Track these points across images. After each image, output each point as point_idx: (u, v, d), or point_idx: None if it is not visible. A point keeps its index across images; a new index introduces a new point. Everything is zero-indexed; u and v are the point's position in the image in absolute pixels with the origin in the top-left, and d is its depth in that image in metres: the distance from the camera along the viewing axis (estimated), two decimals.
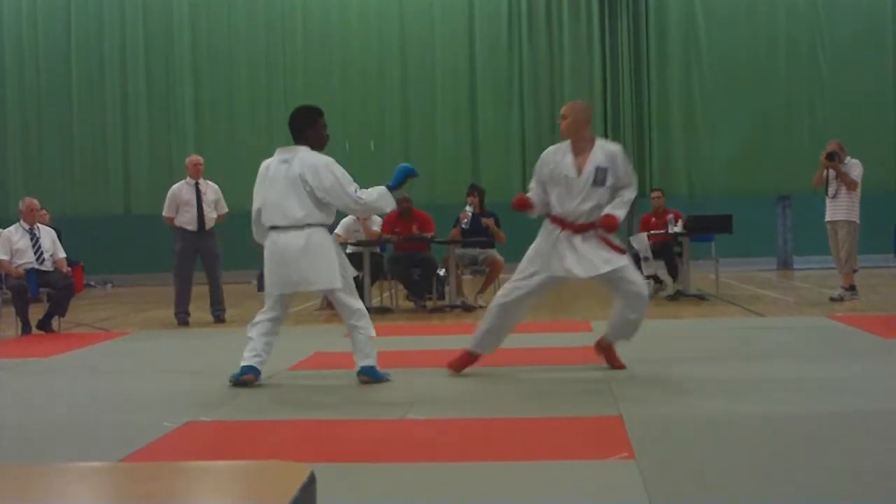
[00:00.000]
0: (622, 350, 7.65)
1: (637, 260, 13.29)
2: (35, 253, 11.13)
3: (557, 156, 7.25)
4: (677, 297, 12.82)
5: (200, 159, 11.99)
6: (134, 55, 20.89)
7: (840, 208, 12.14)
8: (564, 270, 7.22)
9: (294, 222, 6.89)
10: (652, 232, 13.27)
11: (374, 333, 7.09)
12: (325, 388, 7.00)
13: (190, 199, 11.59)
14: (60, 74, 20.98)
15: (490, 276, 12.69)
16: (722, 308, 11.84)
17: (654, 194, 14.26)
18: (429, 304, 12.64)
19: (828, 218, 12.31)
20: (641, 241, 13.16)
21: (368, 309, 12.15)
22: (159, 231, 12.71)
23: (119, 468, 1.91)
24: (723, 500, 4.00)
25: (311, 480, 1.56)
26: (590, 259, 7.19)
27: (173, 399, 6.66)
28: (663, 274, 13.57)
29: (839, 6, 19.89)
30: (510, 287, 7.42)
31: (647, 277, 13.11)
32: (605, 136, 19.86)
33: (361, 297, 12.33)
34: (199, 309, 12.03)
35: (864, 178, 12.24)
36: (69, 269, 11.64)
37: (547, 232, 7.25)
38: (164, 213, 11.85)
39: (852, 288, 12.22)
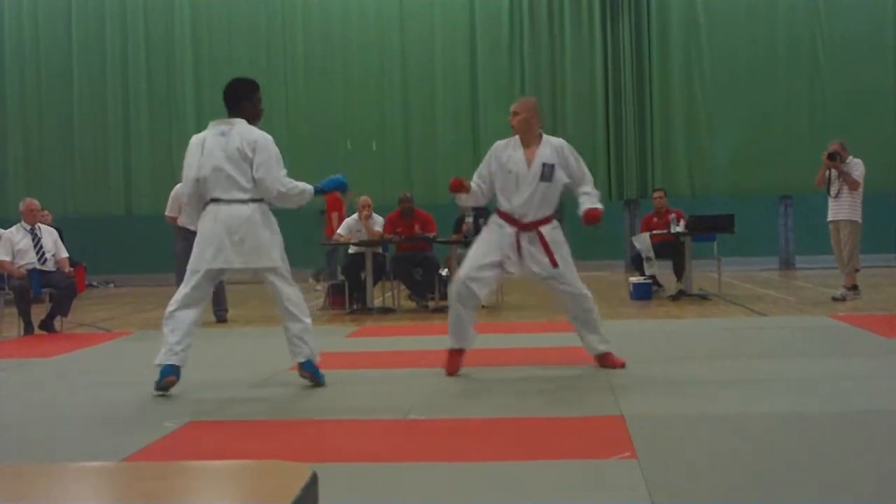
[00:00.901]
0: (624, 348, 7.64)
1: (639, 260, 13.29)
2: (37, 253, 11.14)
3: (507, 150, 7.39)
4: (679, 296, 12.81)
5: None
6: (135, 55, 20.91)
7: (842, 208, 12.14)
8: (517, 267, 7.30)
9: (239, 196, 6.69)
10: (654, 232, 13.26)
11: (311, 322, 6.92)
12: (326, 388, 6.99)
13: None
14: (62, 75, 21.00)
15: None
16: (724, 308, 11.83)
17: (657, 194, 14.25)
18: (431, 303, 12.64)
19: (830, 218, 12.30)
20: (644, 241, 13.15)
21: (371, 309, 12.27)
22: (161, 231, 12.71)
23: (120, 468, 1.90)
24: (725, 500, 4.00)
25: (313, 480, 1.56)
26: (536, 260, 7.25)
27: (175, 399, 6.65)
28: (668, 273, 13.54)
29: (839, 6, 19.89)
30: (468, 275, 7.27)
31: (649, 278, 13.11)
32: (608, 136, 19.93)
33: (364, 297, 12.42)
34: None
35: (866, 178, 12.23)
36: (71, 269, 11.63)
37: (497, 227, 7.30)
38: (167, 213, 11.86)
39: (854, 287, 12.21)
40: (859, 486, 4.16)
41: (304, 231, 18.26)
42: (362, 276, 12.58)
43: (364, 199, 13.25)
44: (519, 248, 7.22)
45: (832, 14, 19.87)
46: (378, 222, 12.92)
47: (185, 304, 6.79)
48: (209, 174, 6.71)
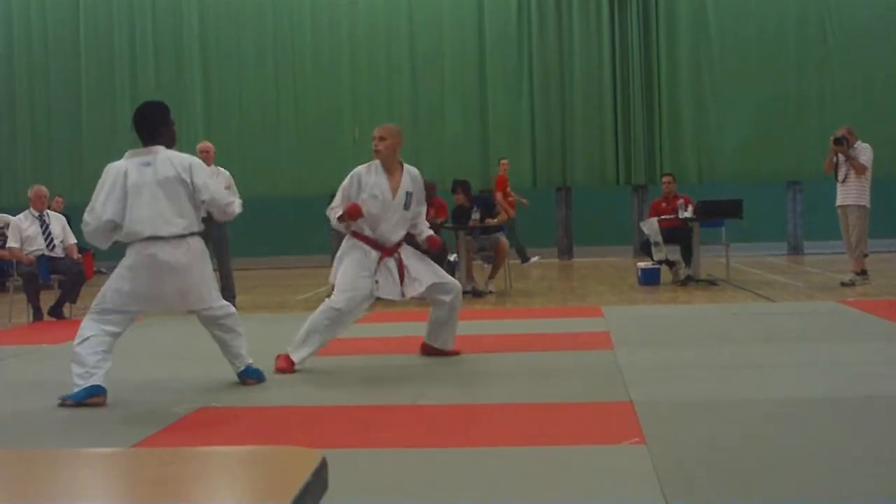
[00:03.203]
0: (632, 333, 7.63)
1: (648, 245, 13.28)
2: (45, 240, 11.17)
3: (371, 175, 7.26)
4: (688, 282, 12.80)
5: (210, 145, 11.91)
6: (143, 45, 20.88)
7: (850, 193, 12.11)
8: (393, 293, 7.25)
9: (173, 233, 6.20)
10: (662, 217, 13.24)
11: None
12: (335, 375, 7.00)
13: None
14: (70, 66, 20.98)
15: (497, 261, 12.70)
16: (732, 293, 11.82)
17: (665, 179, 14.22)
18: None
19: (838, 203, 12.28)
20: (652, 226, 13.13)
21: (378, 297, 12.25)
22: None
23: (131, 454, 1.91)
24: (733, 485, 4.00)
25: (323, 466, 1.56)
26: (418, 278, 7.25)
27: (185, 385, 6.67)
28: (676, 258, 13.51)
29: None
30: (349, 308, 7.16)
31: (658, 262, 13.10)
32: (615, 121, 19.87)
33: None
34: None
35: (874, 163, 12.20)
36: (80, 255, 11.66)
37: (361, 252, 7.19)
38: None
39: (863, 272, 12.18)
40: (870, 471, 4.15)
41: (312, 218, 18.30)
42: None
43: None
44: (388, 270, 7.20)
45: None
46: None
47: (109, 330, 6.27)
48: (141, 213, 6.14)
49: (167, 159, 6.28)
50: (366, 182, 7.22)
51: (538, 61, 20.21)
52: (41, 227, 11.23)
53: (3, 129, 21.07)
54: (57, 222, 11.44)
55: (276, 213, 19.58)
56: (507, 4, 20.27)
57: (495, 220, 12.66)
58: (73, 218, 13.77)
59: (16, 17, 21.09)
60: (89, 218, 6.27)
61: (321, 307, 7.20)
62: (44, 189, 11.61)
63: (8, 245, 11.48)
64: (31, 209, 11.34)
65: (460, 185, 12.82)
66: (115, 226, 6.22)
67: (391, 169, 7.32)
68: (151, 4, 20.85)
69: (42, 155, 20.88)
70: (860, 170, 11.98)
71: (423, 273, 7.30)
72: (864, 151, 12.09)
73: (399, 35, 20.48)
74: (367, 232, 7.21)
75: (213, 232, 11.62)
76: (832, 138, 12.17)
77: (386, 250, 7.22)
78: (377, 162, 7.31)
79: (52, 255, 11.15)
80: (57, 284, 11.25)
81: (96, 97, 20.94)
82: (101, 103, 20.88)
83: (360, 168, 7.34)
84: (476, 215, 12.45)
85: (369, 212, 7.13)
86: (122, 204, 6.18)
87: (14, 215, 12.10)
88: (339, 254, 7.37)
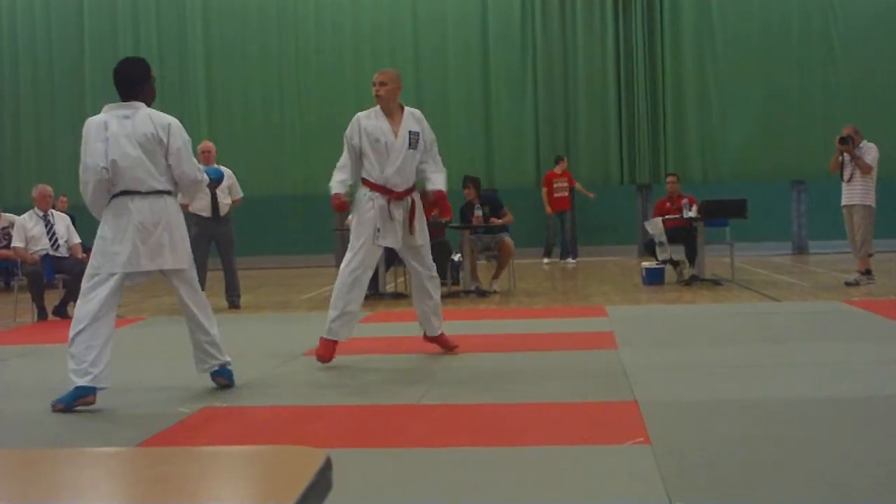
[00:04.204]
0: (637, 333, 7.63)
1: (652, 245, 13.27)
2: (50, 239, 11.17)
3: (371, 120, 7.29)
4: (692, 282, 12.79)
5: (211, 145, 11.96)
6: (147, 42, 20.91)
7: (855, 192, 12.09)
8: (389, 239, 7.28)
9: (152, 188, 6.07)
10: (666, 217, 13.23)
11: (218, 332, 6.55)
12: (338, 374, 7.00)
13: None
14: (74, 64, 21.02)
15: (502, 260, 12.69)
16: (737, 293, 11.81)
17: (669, 179, 14.21)
18: (443, 289, 12.61)
19: (843, 202, 12.26)
20: (656, 226, 13.12)
21: (383, 295, 12.27)
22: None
23: (134, 453, 1.91)
24: (738, 485, 3.99)
25: (328, 465, 1.55)
26: (417, 237, 7.36)
27: (188, 385, 6.67)
28: (680, 258, 13.50)
29: None
30: (356, 264, 7.18)
31: (663, 262, 13.09)
32: (620, 120, 19.87)
33: (376, 282, 12.42)
34: (214, 295, 12.02)
35: (880, 162, 12.18)
36: (84, 254, 11.66)
37: (368, 201, 7.22)
38: (178, 201, 11.87)
39: (868, 272, 12.16)
40: (875, 472, 4.15)
41: (316, 217, 18.31)
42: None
43: None
44: (391, 218, 7.22)
45: None
46: None
47: (100, 314, 6.01)
48: (120, 163, 6.03)
49: (147, 116, 6.17)
50: (366, 126, 7.25)
51: (542, 60, 20.21)
52: (46, 226, 11.24)
53: (7, 128, 21.10)
54: (61, 222, 11.45)
55: (279, 213, 19.59)
56: (510, 3, 20.29)
57: (500, 221, 12.65)
58: (78, 218, 13.81)
59: (20, 16, 21.13)
60: (85, 175, 6.17)
61: (339, 274, 7.27)
62: (48, 188, 11.63)
63: (13, 245, 11.50)
64: (36, 209, 11.35)
65: (471, 181, 12.82)
66: (108, 176, 6.09)
67: (392, 112, 7.35)
68: (155, 3, 20.88)
69: (46, 154, 20.91)
70: (866, 169, 11.97)
71: (423, 238, 7.41)
72: (869, 151, 12.08)
73: (403, 33, 20.50)
74: (375, 176, 7.23)
75: (219, 230, 11.64)
76: (838, 138, 12.16)
77: (395, 194, 7.23)
78: (377, 107, 7.34)
79: (57, 254, 11.16)
80: (61, 284, 11.26)
81: (100, 96, 20.88)
82: (105, 102, 20.81)
83: (361, 114, 7.38)
84: (479, 212, 12.43)
85: (371, 157, 7.19)
86: (105, 153, 6.08)
87: (18, 215, 12.12)
88: (353, 206, 7.40)
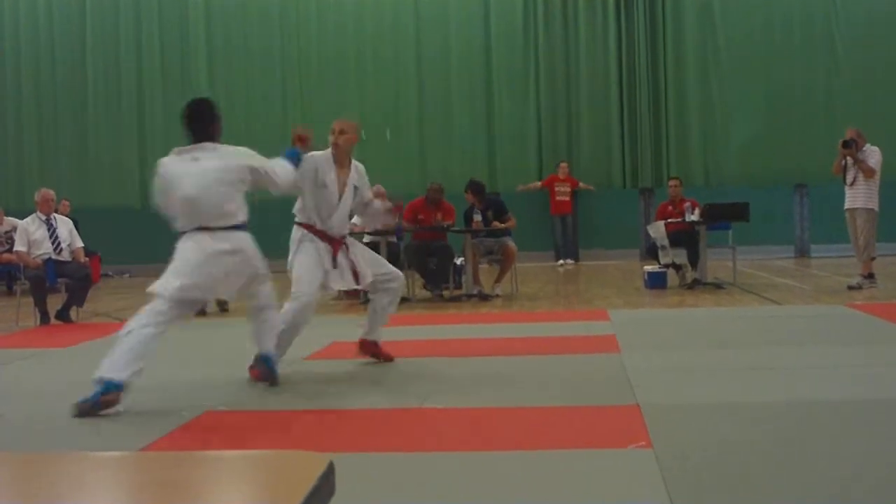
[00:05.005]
0: (639, 337, 7.62)
1: (654, 248, 13.26)
2: (52, 243, 11.17)
3: (323, 164, 7.31)
4: (694, 285, 12.78)
5: None
6: (149, 47, 20.92)
7: (858, 196, 12.08)
8: (335, 282, 7.36)
9: (228, 223, 6.36)
10: (669, 220, 13.22)
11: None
12: (342, 378, 7.00)
13: None
14: (76, 68, 21.02)
15: (504, 264, 12.69)
16: (739, 296, 11.80)
17: (672, 183, 14.19)
18: (445, 293, 12.62)
19: (846, 206, 12.25)
20: (658, 229, 13.11)
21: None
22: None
23: (139, 457, 1.91)
24: (740, 489, 3.99)
25: (330, 470, 1.56)
26: (365, 270, 7.36)
27: (190, 389, 6.67)
28: (682, 261, 13.49)
29: None
30: (312, 297, 7.19)
31: (665, 266, 13.08)
32: (622, 123, 19.88)
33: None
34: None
35: (883, 166, 12.18)
36: (86, 258, 11.68)
37: (312, 244, 7.25)
38: None
39: (871, 276, 12.15)
40: (877, 475, 4.14)
41: None
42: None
43: (377, 187, 13.22)
44: (335, 262, 7.25)
45: None
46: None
47: (165, 319, 6.27)
48: (194, 202, 6.31)
49: (221, 152, 6.48)
50: (319, 168, 7.27)
51: (544, 63, 20.22)
52: (48, 230, 11.24)
53: (9, 132, 21.10)
54: (64, 226, 11.45)
55: (282, 213, 19.55)
56: (513, 5, 20.29)
57: (503, 224, 12.64)
58: (80, 221, 13.82)
59: (22, 19, 21.14)
60: (168, 210, 6.58)
61: (287, 305, 7.14)
62: (51, 192, 11.63)
63: (15, 249, 11.50)
64: (38, 213, 11.36)
65: (471, 186, 12.79)
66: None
67: (343, 163, 7.41)
68: (157, 8, 20.89)
69: (49, 158, 20.91)
70: (869, 173, 11.96)
71: (370, 265, 7.41)
72: (872, 154, 12.07)
73: (405, 35, 20.51)
74: (317, 223, 7.26)
75: None
76: (841, 141, 12.15)
77: (335, 242, 7.28)
78: (329, 152, 7.37)
79: (59, 258, 11.16)
80: (64, 288, 11.27)
81: (103, 100, 20.98)
82: (107, 106, 20.92)
83: (316, 154, 7.36)
84: (479, 217, 12.43)
85: (317, 203, 7.23)
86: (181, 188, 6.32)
87: (21, 219, 12.13)
88: (292, 245, 7.38)
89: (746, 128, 19.73)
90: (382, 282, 7.44)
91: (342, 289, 7.42)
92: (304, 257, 7.23)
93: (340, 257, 7.28)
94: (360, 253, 7.46)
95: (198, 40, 20.83)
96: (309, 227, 7.29)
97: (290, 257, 7.34)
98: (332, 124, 7.51)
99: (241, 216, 6.45)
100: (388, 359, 7.58)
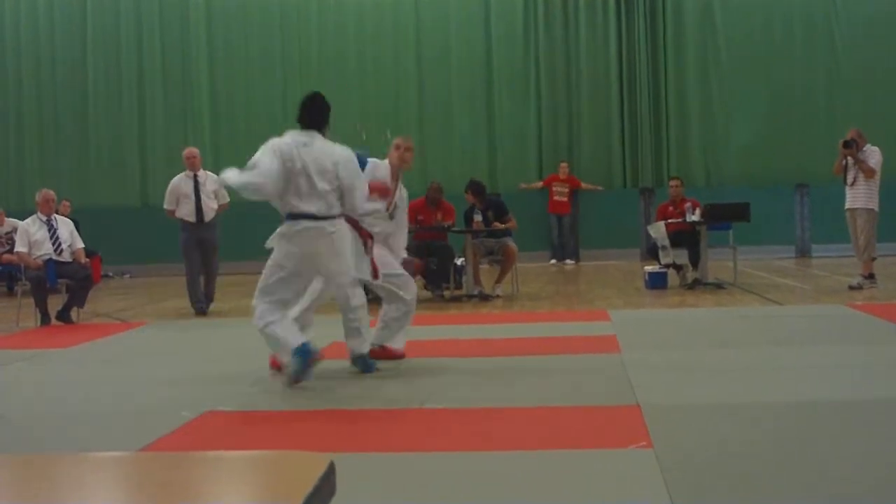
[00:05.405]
0: (639, 337, 7.62)
1: (655, 249, 13.25)
2: (53, 244, 11.17)
3: (384, 174, 7.54)
4: (695, 285, 12.77)
5: (195, 151, 12.11)
6: (150, 46, 20.91)
7: (859, 196, 12.08)
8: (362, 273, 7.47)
9: (327, 213, 6.59)
10: (669, 220, 13.21)
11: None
12: (342, 378, 7.00)
13: (188, 192, 11.72)
14: (77, 68, 20.99)
15: (505, 265, 12.68)
16: (740, 296, 11.80)
17: (672, 183, 14.18)
18: (446, 293, 12.61)
19: (847, 206, 12.24)
20: (659, 229, 13.10)
21: (381, 300, 12.23)
22: (176, 222, 12.72)
23: (137, 458, 1.91)
24: (741, 489, 3.99)
25: (331, 470, 1.56)
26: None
27: (191, 389, 6.67)
28: (683, 262, 13.48)
29: None
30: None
31: (665, 266, 13.07)
32: (622, 124, 19.87)
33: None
34: (183, 297, 12.16)
35: (883, 166, 12.16)
36: (87, 259, 11.67)
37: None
38: (165, 206, 12.00)
39: (871, 276, 12.15)
40: (877, 474, 4.14)
41: None
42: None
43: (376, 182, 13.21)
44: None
45: None
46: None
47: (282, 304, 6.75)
48: (301, 189, 6.55)
49: (329, 148, 6.74)
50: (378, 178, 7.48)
51: (545, 63, 20.20)
52: (49, 231, 11.24)
53: (10, 133, 21.08)
54: (64, 226, 11.45)
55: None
56: (513, 6, 20.27)
57: (503, 225, 12.64)
58: (81, 222, 13.83)
59: (23, 21, 21.12)
60: (267, 187, 6.54)
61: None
62: (52, 193, 11.63)
63: (16, 249, 11.50)
64: (39, 213, 11.35)
65: (472, 187, 12.77)
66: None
67: (397, 177, 7.73)
68: (158, 6, 20.88)
69: (49, 159, 20.90)
70: (869, 173, 11.95)
71: (384, 265, 7.48)
72: (873, 154, 12.06)
73: (406, 36, 20.49)
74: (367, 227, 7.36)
75: (203, 234, 11.67)
76: (841, 141, 12.14)
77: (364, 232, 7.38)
78: (387, 163, 7.64)
79: (60, 259, 11.16)
80: (64, 289, 11.27)
81: (103, 100, 20.96)
82: (107, 106, 20.90)
83: (378, 161, 7.59)
84: (479, 217, 12.42)
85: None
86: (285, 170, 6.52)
87: (21, 219, 12.13)
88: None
89: (747, 128, 19.71)
90: (396, 287, 7.56)
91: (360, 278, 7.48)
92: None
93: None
94: (380, 250, 7.55)
95: (198, 41, 20.82)
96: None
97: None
98: (396, 140, 7.76)
99: None
100: (397, 357, 7.62)
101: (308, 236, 6.56)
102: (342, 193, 6.66)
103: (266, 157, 6.52)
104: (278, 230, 6.67)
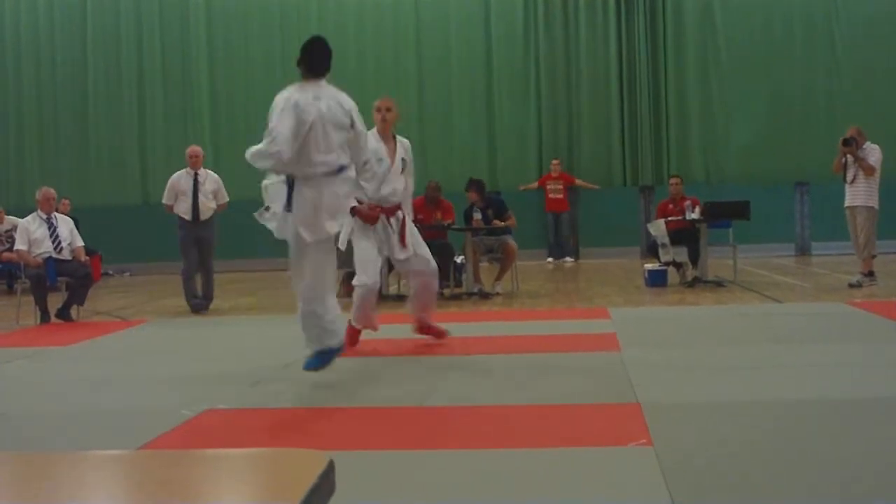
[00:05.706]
0: (639, 335, 7.62)
1: (654, 247, 13.25)
2: (52, 242, 11.17)
3: (373, 142, 7.57)
4: (695, 283, 12.77)
5: (198, 150, 12.12)
6: (150, 46, 20.92)
7: (858, 194, 12.08)
8: (390, 249, 7.81)
9: (336, 168, 6.42)
10: (669, 218, 13.21)
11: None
12: (341, 376, 6.99)
13: (186, 189, 11.72)
14: (77, 66, 21.01)
15: (505, 263, 12.68)
16: (740, 294, 11.80)
17: (672, 181, 14.18)
18: (446, 291, 12.61)
19: (846, 203, 12.25)
20: (659, 227, 13.10)
21: (385, 297, 12.26)
22: (174, 218, 12.71)
23: (136, 456, 1.91)
24: (741, 487, 3.99)
25: (330, 468, 1.56)
26: (413, 241, 7.81)
27: (190, 387, 6.67)
28: (683, 259, 13.48)
29: None
30: (375, 281, 7.71)
31: (665, 264, 13.07)
32: (622, 122, 19.86)
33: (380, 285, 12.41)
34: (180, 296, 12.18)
35: (883, 164, 12.17)
36: (87, 257, 11.67)
37: (367, 227, 7.65)
38: (163, 201, 12.01)
39: (871, 274, 12.15)
40: (877, 473, 4.14)
41: None
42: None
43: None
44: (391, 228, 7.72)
45: None
46: None
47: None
48: (314, 146, 6.31)
49: (341, 98, 6.72)
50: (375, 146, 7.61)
51: (545, 62, 20.20)
52: (49, 229, 11.24)
53: (10, 131, 21.10)
54: (64, 225, 11.45)
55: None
56: (513, 6, 20.27)
57: (503, 223, 12.64)
58: (81, 221, 13.82)
59: (23, 20, 21.13)
60: (284, 146, 6.25)
61: (355, 292, 7.70)
62: (52, 191, 11.63)
63: (16, 247, 11.50)
64: (39, 211, 11.36)
65: (473, 184, 12.79)
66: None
67: (387, 138, 7.92)
68: (159, 6, 20.88)
69: (49, 157, 20.90)
70: (869, 171, 11.96)
71: (416, 242, 7.83)
72: (872, 152, 12.07)
73: (406, 36, 20.49)
74: (371, 194, 7.61)
75: (200, 233, 11.67)
76: (841, 139, 12.15)
77: (387, 211, 7.69)
78: (374, 129, 7.81)
79: (60, 257, 11.16)
80: (64, 287, 11.27)
81: (103, 99, 20.97)
82: (107, 105, 20.91)
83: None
84: (479, 215, 12.43)
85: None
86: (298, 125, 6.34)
87: (21, 217, 12.13)
88: (352, 230, 7.60)
89: (747, 127, 19.72)
90: (419, 264, 7.82)
91: (387, 255, 7.68)
92: (359, 244, 7.64)
93: (392, 227, 7.68)
94: (412, 230, 7.84)
95: (198, 41, 20.82)
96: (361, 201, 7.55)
97: (343, 234, 7.39)
98: (375, 103, 8.07)
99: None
100: (440, 334, 8.12)
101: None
102: (354, 139, 6.65)
103: (284, 120, 6.27)
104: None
